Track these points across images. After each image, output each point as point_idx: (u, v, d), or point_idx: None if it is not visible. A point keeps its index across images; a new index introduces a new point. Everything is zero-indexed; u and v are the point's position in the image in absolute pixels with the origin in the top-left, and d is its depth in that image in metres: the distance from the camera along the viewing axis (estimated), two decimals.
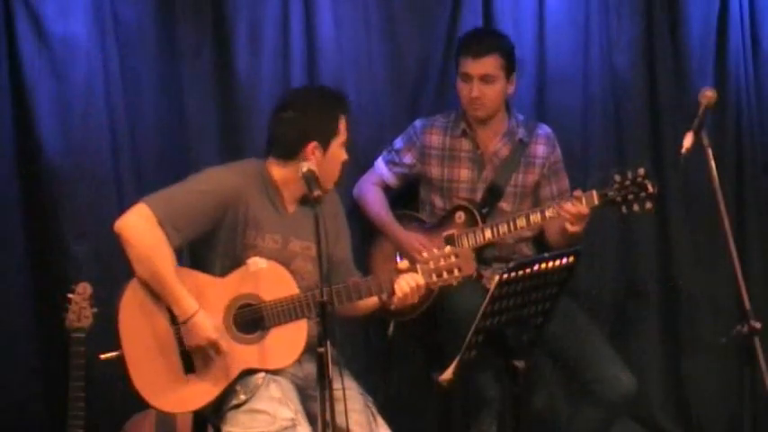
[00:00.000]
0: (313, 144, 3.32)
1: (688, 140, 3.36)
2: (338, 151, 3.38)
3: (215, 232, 3.28)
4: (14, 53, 4.06)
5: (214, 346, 3.20)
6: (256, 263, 3.28)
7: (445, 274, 3.33)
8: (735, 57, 4.60)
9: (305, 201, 3.35)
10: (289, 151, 3.34)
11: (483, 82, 4.01)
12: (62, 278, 4.03)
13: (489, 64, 4.01)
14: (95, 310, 3.62)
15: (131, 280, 3.22)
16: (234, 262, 3.29)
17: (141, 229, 3.19)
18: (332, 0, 4.33)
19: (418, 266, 3.33)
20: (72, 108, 4.12)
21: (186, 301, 3.18)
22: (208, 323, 3.19)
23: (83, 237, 4.09)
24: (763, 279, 4.61)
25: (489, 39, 4.11)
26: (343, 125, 3.38)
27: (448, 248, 3.36)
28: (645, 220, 4.41)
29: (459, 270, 3.34)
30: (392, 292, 3.31)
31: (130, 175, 4.18)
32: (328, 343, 2.91)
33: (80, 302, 3.63)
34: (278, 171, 3.37)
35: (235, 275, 3.28)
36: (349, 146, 3.45)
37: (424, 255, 3.36)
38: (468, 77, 4.03)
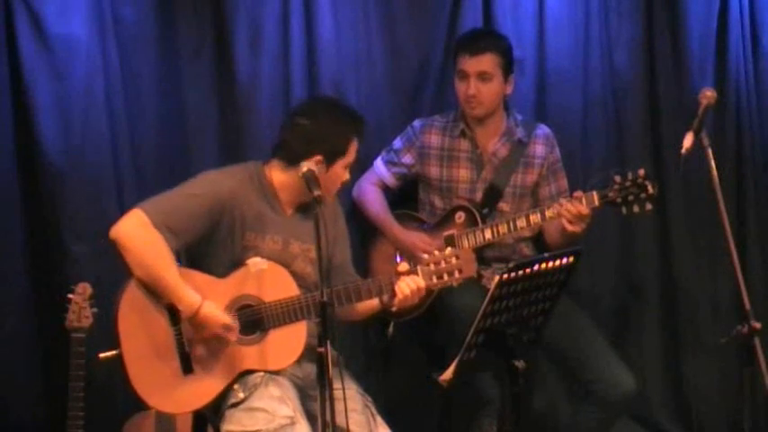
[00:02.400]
0: (318, 158, 3.30)
1: (688, 140, 3.36)
2: (341, 171, 3.37)
3: (212, 236, 3.28)
4: (14, 53, 4.06)
5: (229, 329, 3.20)
6: (257, 264, 3.28)
7: (446, 276, 3.32)
8: (735, 57, 4.59)
9: (304, 207, 3.36)
10: (293, 158, 3.31)
11: (480, 79, 4.01)
12: (62, 278, 4.04)
13: (486, 61, 4.01)
14: (95, 310, 3.63)
15: (131, 280, 3.22)
16: (234, 264, 3.29)
17: (136, 231, 3.18)
18: (332, 0, 4.33)
19: (418, 268, 3.32)
20: (72, 108, 4.12)
21: (189, 297, 3.18)
22: (216, 311, 3.20)
23: (83, 237, 4.09)
24: (763, 279, 4.61)
25: (487, 37, 4.13)
26: (353, 147, 3.38)
27: (449, 250, 3.35)
28: (645, 221, 4.41)
29: (460, 271, 3.32)
30: (393, 295, 3.31)
31: (130, 175, 4.18)
32: (328, 343, 2.92)
33: (80, 302, 3.63)
34: (278, 174, 3.37)
35: (235, 276, 3.28)
36: (353, 167, 3.45)
37: (425, 256, 3.35)
38: (464, 75, 4.03)
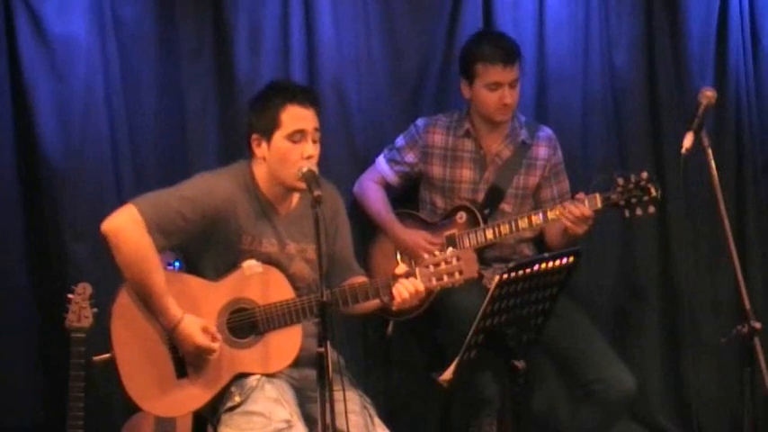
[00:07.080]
0: (254, 137, 3.31)
1: (688, 140, 3.36)
2: (283, 143, 3.26)
3: (207, 239, 3.26)
4: (14, 53, 4.06)
5: (204, 351, 3.18)
6: (251, 267, 3.25)
7: (446, 278, 3.28)
8: (735, 57, 4.59)
9: (298, 206, 3.35)
10: (247, 147, 3.34)
11: (511, 87, 4.01)
12: (62, 278, 4.04)
13: (517, 70, 4.02)
14: (95, 310, 3.63)
15: (123, 285, 3.21)
16: (231, 267, 3.27)
17: (129, 234, 3.15)
18: (331, 0, 4.33)
19: (417, 270, 3.29)
20: (72, 108, 4.12)
21: (170, 311, 3.16)
22: (194, 328, 3.16)
23: (83, 237, 4.09)
24: (764, 279, 4.61)
25: (511, 44, 4.08)
26: (286, 115, 3.26)
27: (450, 250, 3.31)
28: (645, 221, 4.39)
29: (461, 273, 3.28)
30: (392, 297, 3.28)
31: (130, 175, 4.19)
32: (328, 343, 2.91)
33: (80, 302, 3.63)
34: (256, 170, 3.35)
35: (229, 279, 3.26)
36: (321, 139, 3.32)
37: (425, 256, 3.33)
38: (498, 85, 3.99)
